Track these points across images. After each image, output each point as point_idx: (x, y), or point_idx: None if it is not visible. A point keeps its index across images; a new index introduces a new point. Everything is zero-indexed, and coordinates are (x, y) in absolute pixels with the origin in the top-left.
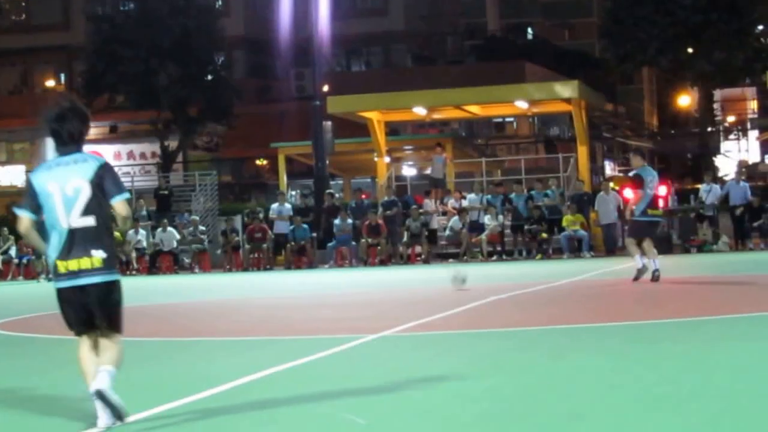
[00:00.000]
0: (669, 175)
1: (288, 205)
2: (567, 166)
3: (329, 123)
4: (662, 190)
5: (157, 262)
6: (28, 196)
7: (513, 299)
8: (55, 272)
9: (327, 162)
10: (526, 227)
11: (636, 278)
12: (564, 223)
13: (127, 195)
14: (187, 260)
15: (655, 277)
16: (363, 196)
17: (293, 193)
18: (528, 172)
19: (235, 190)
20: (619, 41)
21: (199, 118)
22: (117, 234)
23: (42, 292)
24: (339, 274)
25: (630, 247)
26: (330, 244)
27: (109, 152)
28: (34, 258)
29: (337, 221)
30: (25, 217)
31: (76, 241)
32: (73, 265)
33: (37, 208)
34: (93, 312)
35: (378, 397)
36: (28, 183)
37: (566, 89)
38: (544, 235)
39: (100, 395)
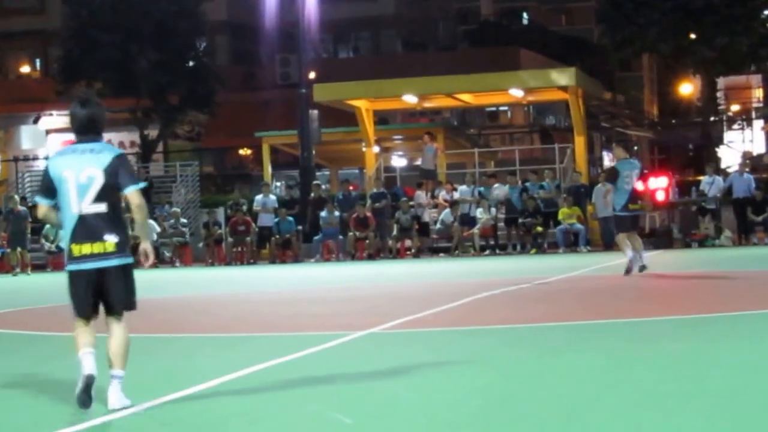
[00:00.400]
0: (670, 166)
1: (273, 197)
2: (563, 156)
3: (315, 111)
4: (639, 185)
5: (136, 255)
6: (43, 182)
7: (506, 295)
8: (70, 255)
9: (313, 152)
10: (520, 220)
11: (627, 272)
12: (560, 217)
13: (140, 185)
14: (167, 254)
15: (641, 269)
16: (351, 188)
17: (278, 184)
18: (523, 163)
19: (217, 181)
20: (618, 26)
21: (180, 106)
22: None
23: (17, 287)
24: (325, 269)
25: (621, 243)
26: (316, 238)
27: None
28: (9, 251)
29: (323, 214)
30: (42, 205)
31: (88, 227)
32: (86, 249)
33: (51, 192)
34: (107, 294)
35: (365, 395)
36: (45, 169)
37: (563, 77)
38: (539, 228)
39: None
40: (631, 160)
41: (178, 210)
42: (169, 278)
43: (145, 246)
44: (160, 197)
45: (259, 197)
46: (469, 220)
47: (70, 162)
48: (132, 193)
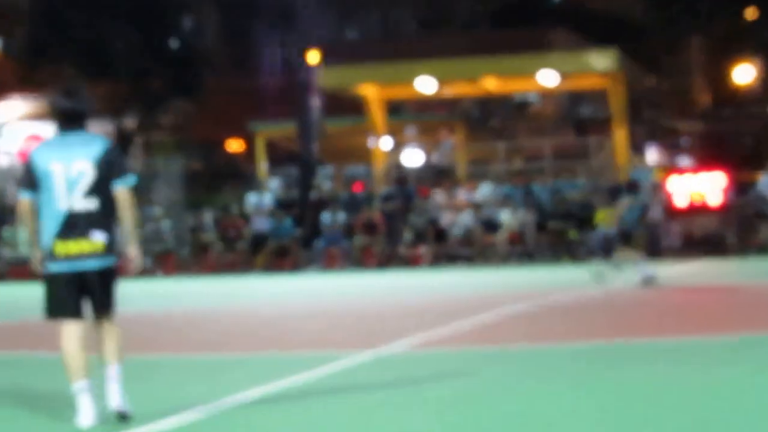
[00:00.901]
0: (724, 163)
1: (268, 197)
2: (601, 151)
3: (318, 100)
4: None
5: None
6: (26, 173)
7: (534, 310)
8: (52, 255)
9: (315, 146)
10: (551, 225)
11: (646, 282)
12: (596, 220)
13: (132, 181)
14: (147, 262)
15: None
16: (357, 187)
17: (275, 182)
18: (554, 159)
19: (205, 179)
20: (665, 3)
21: (162, 93)
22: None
23: None
24: (328, 279)
25: (627, 254)
26: (318, 244)
27: (52, 133)
28: None
29: (326, 216)
30: (25, 201)
31: (77, 224)
32: (72, 248)
33: (35, 186)
34: (92, 297)
35: (371, 426)
36: (28, 160)
37: (601, 60)
38: (573, 234)
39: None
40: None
41: (160, 212)
42: (149, 290)
43: (133, 250)
44: (139, 197)
45: (252, 197)
46: (492, 224)
47: (58, 153)
48: (123, 190)
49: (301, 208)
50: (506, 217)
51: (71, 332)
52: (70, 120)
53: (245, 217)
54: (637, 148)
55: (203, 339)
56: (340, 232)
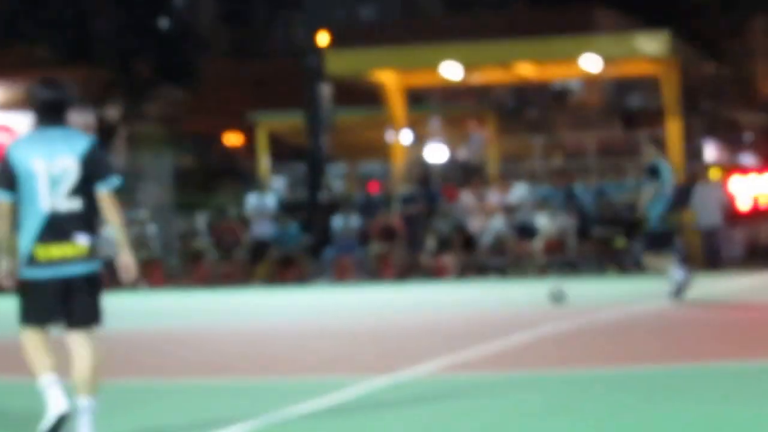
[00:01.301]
0: None
1: (271, 199)
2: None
3: (329, 87)
4: None
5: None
6: (3, 172)
7: (577, 329)
8: (31, 259)
9: (325, 140)
10: (595, 231)
11: (677, 293)
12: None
13: (116, 181)
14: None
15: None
16: (373, 188)
17: (278, 181)
18: (599, 156)
19: (198, 178)
20: None
21: (150, 79)
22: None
23: None
24: (339, 293)
25: (654, 262)
26: (328, 251)
27: (25, 123)
28: None
29: (337, 221)
30: (3, 203)
31: (60, 226)
32: (55, 252)
33: (13, 185)
34: (73, 305)
35: None
36: (5, 156)
37: (652, 43)
38: (620, 242)
39: None
40: (664, 162)
41: (147, 215)
42: (133, 305)
43: (126, 256)
44: (121, 198)
45: (253, 199)
46: (528, 231)
47: (40, 149)
48: (107, 192)
49: (308, 212)
50: (544, 222)
51: (37, 337)
52: (50, 112)
53: (244, 222)
54: (693, 144)
55: (196, 362)
56: (354, 239)
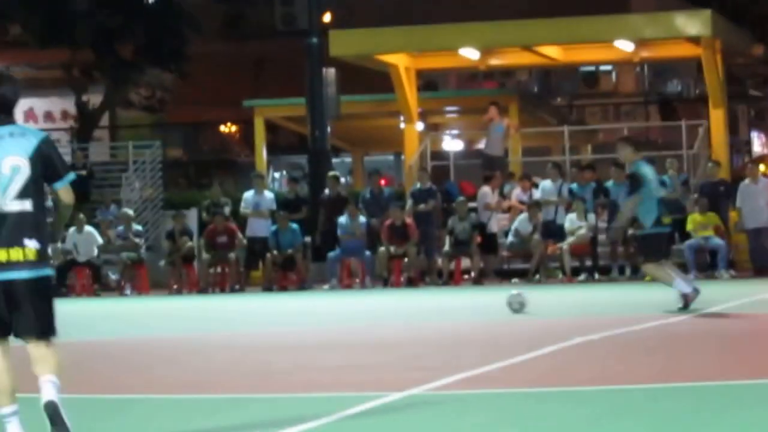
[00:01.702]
0: None
1: (269, 195)
2: (693, 139)
3: (333, 71)
4: None
5: (67, 277)
6: None
7: (609, 342)
8: None
9: (329, 130)
10: (630, 232)
11: (685, 305)
12: (689, 227)
13: (72, 177)
14: (113, 276)
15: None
16: (383, 182)
17: (277, 176)
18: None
19: (188, 171)
20: None
21: (135, 61)
22: None
23: None
24: (345, 299)
25: (655, 272)
26: (332, 255)
27: None
28: None
29: (342, 219)
30: None
31: (7, 228)
32: (1, 255)
33: None
34: (21, 313)
35: None
36: None
37: (693, 23)
38: None
39: (53, 409)
40: (644, 163)
41: (131, 213)
42: (116, 311)
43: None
44: (103, 193)
45: (249, 195)
46: (555, 231)
47: None
48: (63, 189)
49: (311, 209)
50: (573, 221)
51: None
52: (0, 109)
53: (240, 220)
54: (739, 135)
55: (186, 375)
56: (361, 240)
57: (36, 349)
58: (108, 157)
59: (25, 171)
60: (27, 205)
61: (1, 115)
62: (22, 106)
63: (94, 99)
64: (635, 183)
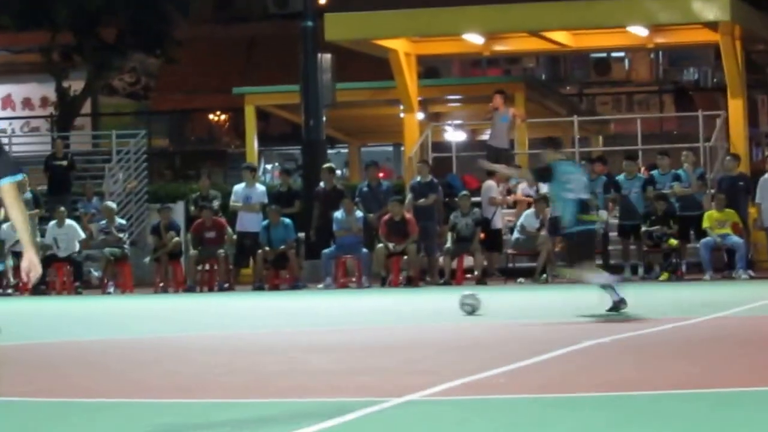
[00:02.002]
0: None
1: (260, 188)
2: (711, 131)
3: (328, 57)
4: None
5: (47, 274)
6: None
7: (620, 346)
8: None
9: (324, 119)
10: (643, 228)
11: (615, 308)
12: (705, 224)
13: (20, 176)
14: (95, 273)
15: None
16: (381, 175)
17: (269, 167)
18: (648, 141)
19: (175, 162)
20: None
21: (118, 45)
22: None
23: None
24: (341, 299)
25: (583, 275)
26: (327, 251)
27: None
28: None
29: (338, 214)
30: None
31: None
32: None
33: None
34: None
35: None
36: None
37: (711, 7)
38: (673, 242)
39: None
40: (569, 164)
41: (114, 206)
42: (97, 311)
43: (30, 256)
44: (84, 185)
45: (239, 187)
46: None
47: None
48: (7, 186)
49: (304, 203)
50: None
51: None
52: None
53: (228, 215)
54: (758, 126)
55: (169, 379)
56: (358, 236)
57: None
58: (90, 147)
59: None
60: None
61: None
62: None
63: (76, 85)
64: (545, 173)
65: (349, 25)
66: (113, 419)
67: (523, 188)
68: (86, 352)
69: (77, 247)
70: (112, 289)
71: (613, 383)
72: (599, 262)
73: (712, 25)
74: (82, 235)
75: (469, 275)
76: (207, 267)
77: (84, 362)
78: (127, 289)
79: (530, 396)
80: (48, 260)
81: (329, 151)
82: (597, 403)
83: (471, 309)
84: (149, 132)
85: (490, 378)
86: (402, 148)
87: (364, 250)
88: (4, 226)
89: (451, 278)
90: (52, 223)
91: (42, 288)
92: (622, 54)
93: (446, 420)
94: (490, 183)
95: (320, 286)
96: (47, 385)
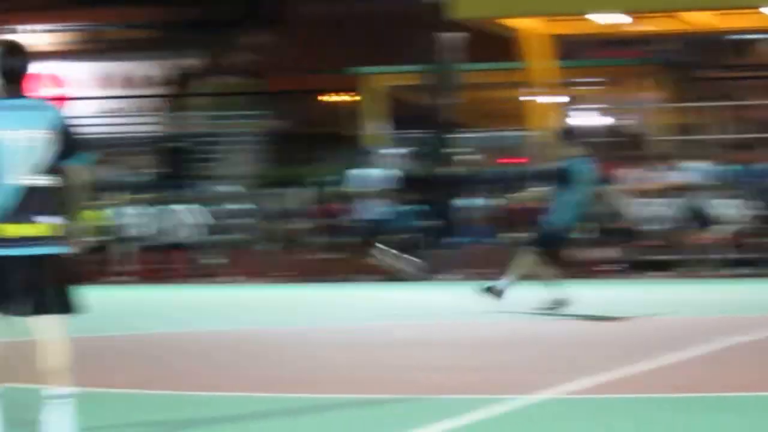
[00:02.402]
0: None
1: (383, 173)
2: None
3: (455, 36)
4: None
5: (166, 260)
6: None
7: (762, 344)
8: None
9: (450, 102)
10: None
11: (553, 307)
12: None
13: (86, 157)
14: (211, 260)
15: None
16: (509, 161)
17: (391, 152)
18: None
19: (293, 145)
20: None
21: (233, 21)
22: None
23: None
24: (466, 291)
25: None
26: (453, 240)
27: (78, 75)
28: None
29: (465, 201)
30: None
31: (23, 203)
32: (17, 230)
33: None
34: (36, 289)
35: None
36: None
37: None
38: None
39: None
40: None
41: (230, 190)
42: (214, 301)
43: (75, 227)
44: (199, 168)
45: (360, 172)
46: (702, 218)
47: (7, 120)
48: (78, 167)
49: (429, 189)
50: (723, 209)
51: None
52: (15, 81)
53: (348, 201)
54: None
55: (282, 371)
56: (486, 224)
57: (47, 329)
58: (204, 128)
59: (43, 144)
60: (43, 181)
61: (11, 86)
62: (102, 71)
63: (189, 64)
64: (563, 178)
65: (477, 2)
66: (231, 411)
67: (661, 177)
68: (191, 343)
69: (193, 233)
70: (228, 278)
71: (755, 384)
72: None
73: None
74: (200, 220)
75: (603, 267)
76: (327, 255)
77: (188, 353)
78: (247, 277)
79: (666, 395)
80: (166, 247)
81: (455, 135)
82: (738, 404)
83: (386, 262)
84: (265, 113)
85: (631, 375)
86: (532, 133)
87: (492, 238)
88: (168, 208)
89: (584, 270)
90: (165, 207)
91: (159, 275)
92: (765, 36)
93: (582, 419)
94: (626, 171)
95: (446, 276)
96: (156, 376)
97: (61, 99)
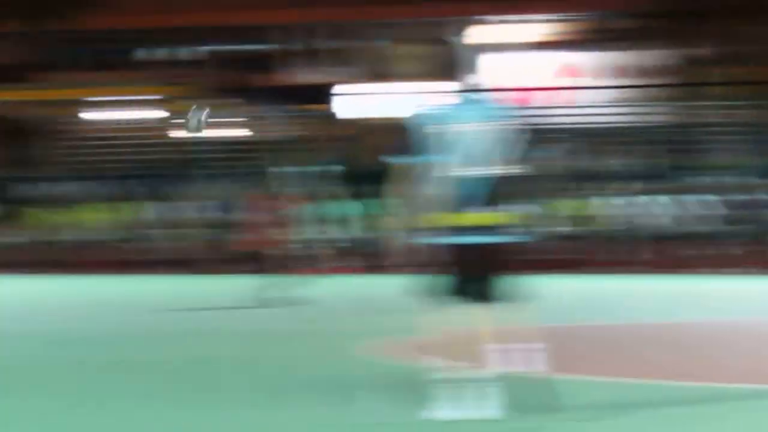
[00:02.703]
0: None
1: None
2: None
3: None
4: None
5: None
6: (426, 135)
7: None
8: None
9: None
10: None
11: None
12: None
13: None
14: (720, 251)
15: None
16: None
17: None
18: None
19: None
20: None
21: (736, 9)
22: None
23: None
24: None
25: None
26: None
27: (588, 65)
28: None
29: None
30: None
31: (483, 193)
32: (474, 219)
33: (431, 148)
34: (488, 275)
35: None
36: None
37: None
38: None
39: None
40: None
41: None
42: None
43: (533, 216)
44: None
45: None
46: None
47: (466, 114)
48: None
49: None
50: None
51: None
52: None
53: None
54: None
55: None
56: None
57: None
58: (710, 119)
59: (494, 137)
60: (497, 171)
61: (465, 81)
62: (617, 60)
63: (695, 54)
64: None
65: None
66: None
67: None
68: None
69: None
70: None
71: None
72: None
73: None
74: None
75: None
76: None
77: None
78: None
79: None
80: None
81: None
82: None
83: (196, 124)
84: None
85: None
86: None
87: None
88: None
89: None
90: (675, 196)
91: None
92: None
93: None
94: None
95: None
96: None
97: (570, 89)
